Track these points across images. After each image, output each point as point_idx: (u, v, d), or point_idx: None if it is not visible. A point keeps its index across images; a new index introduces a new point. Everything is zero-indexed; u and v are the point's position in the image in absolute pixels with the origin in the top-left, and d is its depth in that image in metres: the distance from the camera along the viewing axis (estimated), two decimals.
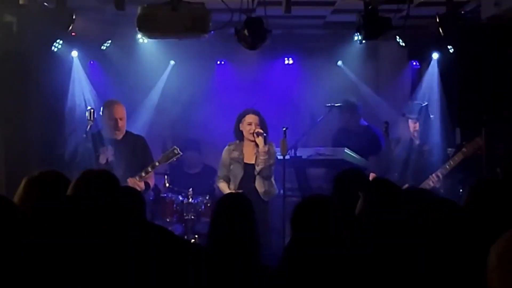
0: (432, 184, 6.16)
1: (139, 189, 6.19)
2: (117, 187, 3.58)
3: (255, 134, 6.59)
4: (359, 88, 8.52)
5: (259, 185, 6.61)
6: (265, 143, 6.60)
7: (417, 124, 6.48)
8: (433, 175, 6.19)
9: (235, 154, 6.74)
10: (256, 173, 6.62)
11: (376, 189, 3.62)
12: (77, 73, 7.90)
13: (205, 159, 8.33)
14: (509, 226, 1.81)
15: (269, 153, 6.60)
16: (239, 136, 6.77)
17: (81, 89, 7.96)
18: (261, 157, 6.58)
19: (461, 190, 6.22)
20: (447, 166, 6.20)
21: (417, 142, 6.52)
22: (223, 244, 3.38)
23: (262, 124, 6.68)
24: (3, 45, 6.54)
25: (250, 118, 6.68)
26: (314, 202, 3.31)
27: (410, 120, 6.53)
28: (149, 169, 6.41)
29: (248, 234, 3.43)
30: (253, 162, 6.65)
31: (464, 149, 6.14)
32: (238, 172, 6.69)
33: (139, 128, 7.47)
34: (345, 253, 3.00)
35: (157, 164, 6.48)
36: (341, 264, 2.95)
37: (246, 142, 6.75)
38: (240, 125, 6.73)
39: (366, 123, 8.10)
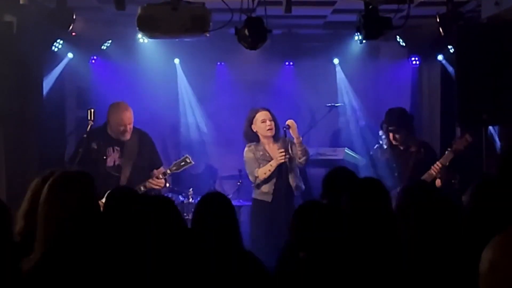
0: (434, 174, 6.14)
1: (159, 187, 6.37)
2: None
3: (285, 130, 6.41)
4: (359, 87, 8.52)
5: (292, 180, 6.51)
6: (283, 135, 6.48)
7: (394, 134, 6.48)
8: (435, 164, 6.16)
9: (259, 154, 6.57)
10: (293, 166, 6.52)
11: (363, 188, 3.60)
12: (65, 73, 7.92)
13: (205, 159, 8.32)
14: (505, 226, 1.79)
15: (302, 145, 6.51)
16: (254, 138, 6.62)
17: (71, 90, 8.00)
18: (299, 148, 6.48)
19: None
20: (440, 163, 6.17)
21: (401, 148, 6.56)
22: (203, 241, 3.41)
23: (274, 118, 6.59)
24: (3, 45, 6.53)
25: (262, 115, 6.58)
26: (311, 207, 3.30)
27: (390, 132, 6.53)
28: (160, 176, 6.43)
29: (230, 232, 3.46)
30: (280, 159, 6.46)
31: (453, 147, 6.14)
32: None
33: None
34: (342, 256, 2.99)
35: (168, 172, 6.48)
36: (338, 267, 2.95)
37: (264, 141, 6.61)
38: (253, 126, 6.60)
39: (364, 123, 8.10)
